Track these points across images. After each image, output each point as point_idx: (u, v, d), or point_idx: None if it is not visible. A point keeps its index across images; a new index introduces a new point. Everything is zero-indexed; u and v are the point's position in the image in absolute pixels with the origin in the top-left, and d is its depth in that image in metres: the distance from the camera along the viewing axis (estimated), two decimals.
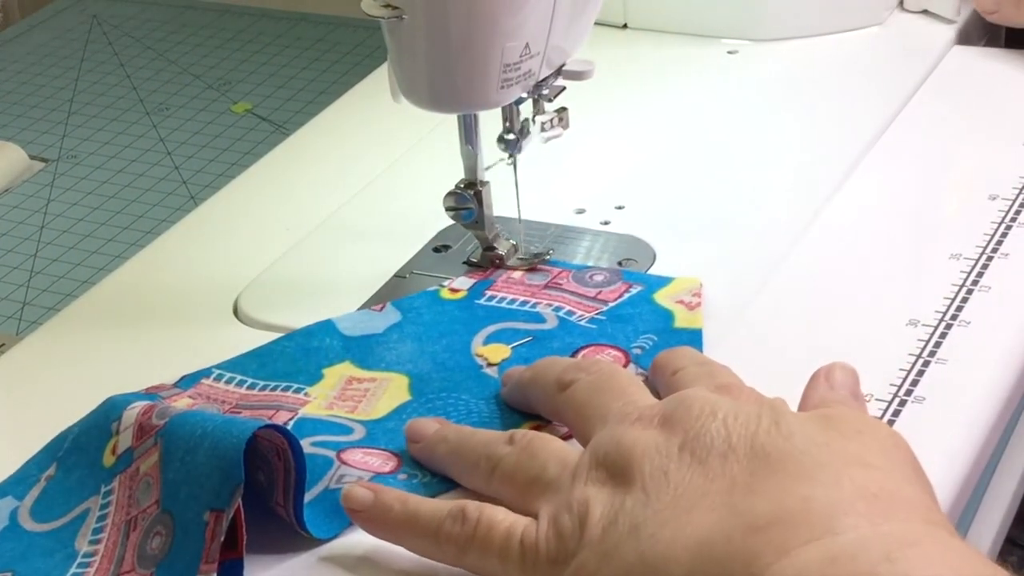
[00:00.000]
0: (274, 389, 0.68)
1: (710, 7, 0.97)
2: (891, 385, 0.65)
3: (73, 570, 0.59)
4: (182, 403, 0.66)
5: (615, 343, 0.69)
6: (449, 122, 0.73)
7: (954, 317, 0.69)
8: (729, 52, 0.96)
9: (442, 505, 0.57)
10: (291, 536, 0.60)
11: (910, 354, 0.67)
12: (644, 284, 0.73)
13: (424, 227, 0.79)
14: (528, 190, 0.75)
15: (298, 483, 0.59)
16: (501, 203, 0.75)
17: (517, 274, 0.75)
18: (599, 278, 0.74)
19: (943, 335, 0.68)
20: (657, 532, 0.51)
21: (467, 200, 0.73)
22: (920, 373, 0.66)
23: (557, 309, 0.72)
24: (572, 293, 0.73)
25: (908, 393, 0.64)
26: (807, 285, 0.73)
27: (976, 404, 0.64)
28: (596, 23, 0.73)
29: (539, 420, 0.65)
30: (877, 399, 0.64)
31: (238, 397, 0.67)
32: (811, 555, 0.48)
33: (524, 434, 0.59)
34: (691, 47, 0.97)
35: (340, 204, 0.84)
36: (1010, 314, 0.70)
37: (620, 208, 0.81)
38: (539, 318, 0.71)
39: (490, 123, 0.73)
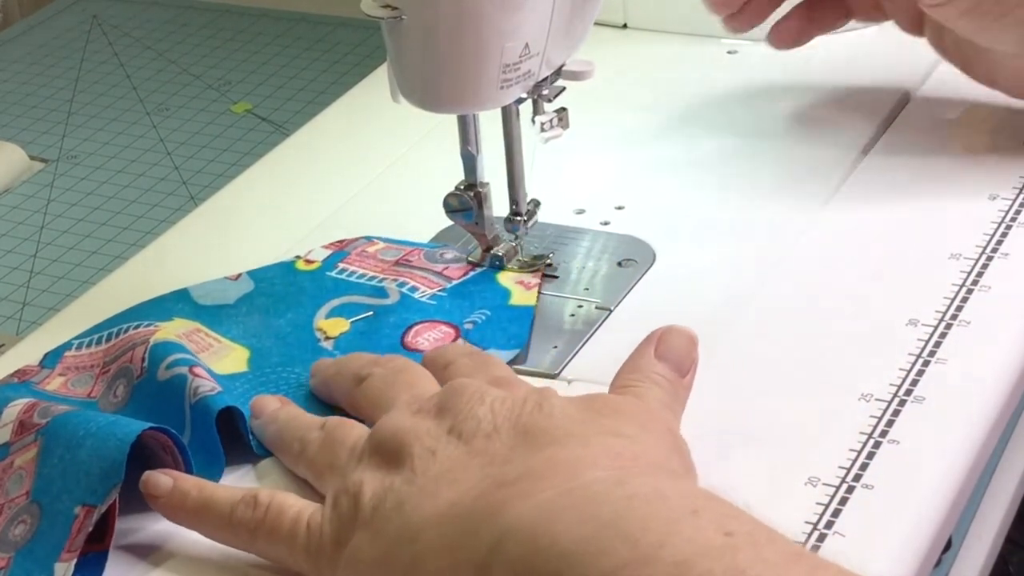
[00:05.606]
0: (126, 331, 0.69)
1: None
2: (891, 385, 0.65)
3: None
4: (55, 383, 0.68)
5: (449, 319, 0.71)
6: (449, 122, 0.73)
7: (954, 317, 0.69)
8: (729, 52, 0.96)
9: (236, 491, 0.59)
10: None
11: (910, 354, 0.67)
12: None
13: (424, 227, 0.79)
14: (528, 190, 0.75)
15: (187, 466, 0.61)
16: (501, 204, 0.75)
17: (372, 248, 0.76)
18: (449, 255, 0.75)
19: (943, 335, 0.68)
20: (419, 504, 0.53)
21: (467, 201, 0.73)
22: (920, 373, 0.66)
23: (401, 284, 0.73)
24: (420, 269, 0.74)
25: (908, 393, 0.64)
26: (807, 285, 0.73)
27: (976, 404, 0.64)
28: (596, 23, 0.73)
29: None
30: (877, 399, 0.64)
31: (101, 355, 0.69)
32: (550, 495, 0.50)
33: (335, 421, 0.62)
34: (691, 47, 0.97)
35: (340, 204, 0.84)
36: (1010, 314, 0.70)
37: (620, 208, 0.81)
38: (383, 293, 0.73)
39: (490, 123, 0.73)
